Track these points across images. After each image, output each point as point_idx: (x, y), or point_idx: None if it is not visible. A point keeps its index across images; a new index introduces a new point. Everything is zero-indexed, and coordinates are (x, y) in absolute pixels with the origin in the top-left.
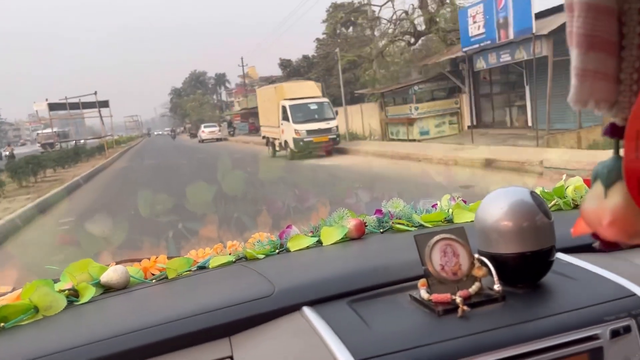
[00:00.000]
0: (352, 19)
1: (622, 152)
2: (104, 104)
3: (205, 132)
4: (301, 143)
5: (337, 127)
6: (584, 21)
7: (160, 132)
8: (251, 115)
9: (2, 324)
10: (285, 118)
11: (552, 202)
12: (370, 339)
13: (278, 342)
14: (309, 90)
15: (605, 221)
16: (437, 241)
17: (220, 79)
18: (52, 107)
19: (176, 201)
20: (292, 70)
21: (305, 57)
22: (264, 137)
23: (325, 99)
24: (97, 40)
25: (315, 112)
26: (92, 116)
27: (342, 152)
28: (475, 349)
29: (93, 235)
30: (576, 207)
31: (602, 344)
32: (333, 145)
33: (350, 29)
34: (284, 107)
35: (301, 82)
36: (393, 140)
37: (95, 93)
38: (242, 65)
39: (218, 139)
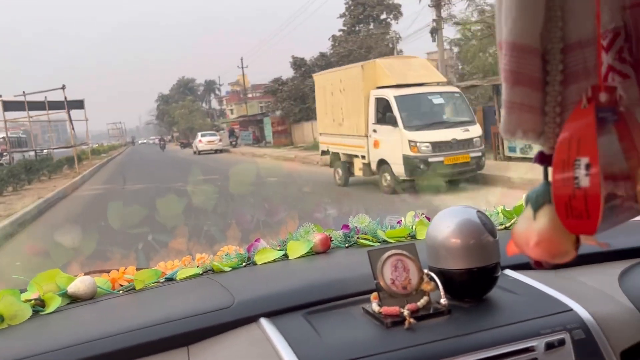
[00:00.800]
0: (375, 14)
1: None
2: (78, 104)
3: (202, 141)
4: (421, 166)
5: (481, 137)
6: (509, 59)
7: (144, 141)
8: (251, 123)
9: None
10: (385, 120)
11: (512, 221)
12: (320, 349)
13: (234, 351)
14: (423, 71)
15: (532, 242)
16: (389, 257)
17: (210, 86)
18: (7, 106)
19: None
20: (307, 71)
21: (322, 55)
22: (324, 153)
23: (455, 88)
24: (77, 41)
25: (442, 110)
26: (62, 119)
27: (479, 180)
28: (419, 358)
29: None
30: None
31: (537, 356)
32: (476, 170)
33: (372, 24)
34: (382, 101)
35: (408, 58)
36: (511, 158)
37: (64, 87)
38: (242, 67)
39: (218, 150)
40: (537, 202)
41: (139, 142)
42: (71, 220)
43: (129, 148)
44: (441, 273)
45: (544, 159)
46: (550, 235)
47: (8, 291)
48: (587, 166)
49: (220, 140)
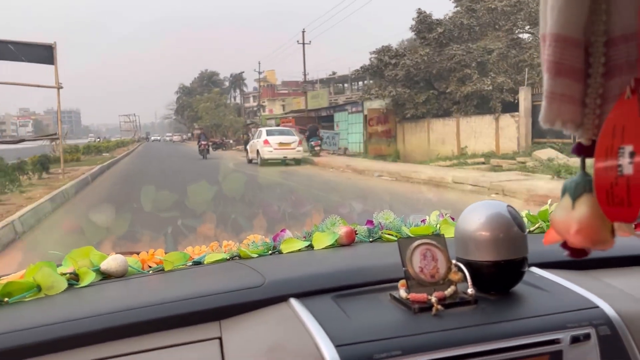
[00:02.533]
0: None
1: (588, 168)
2: (43, 53)
3: (271, 143)
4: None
5: (296, 141)
6: (553, 50)
7: (157, 138)
8: (310, 120)
9: (5, 299)
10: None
11: (536, 225)
12: (349, 328)
13: (265, 328)
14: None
15: (572, 230)
16: (418, 245)
17: (237, 81)
18: None
19: None
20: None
21: (385, 49)
22: None
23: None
24: (100, 31)
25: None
26: (75, 110)
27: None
28: (445, 343)
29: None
30: None
31: (562, 348)
32: (298, 158)
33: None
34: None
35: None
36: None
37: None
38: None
39: (295, 160)
40: (575, 191)
41: (152, 138)
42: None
43: (142, 145)
44: (469, 264)
45: (581, 150)
46: (590, 222)
47: (45, 263)
48: (631, 154)
49: (300, 143)
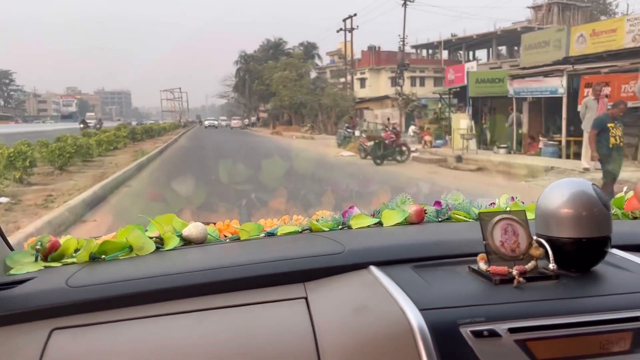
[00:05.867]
0: None
1: None
2: None
3: None
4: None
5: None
6: None
7: (214, 122)
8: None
9: (103, 256)
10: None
11: (611, 212)
12: (431, 294)
13: (348, 290)
14: None
15: None
16: (500, 220)
17: (309, 51)
18: None
19: None
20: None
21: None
22: None
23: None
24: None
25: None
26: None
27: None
28: (528, 313)
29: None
30: (635, 218)
31: None
32: (247, 128)
33: None
34: None
35: None
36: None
37: None
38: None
39: None
40: None
41: (207, 122)
42: None
43: (186, 136)
44: (550, 241)
45: None
46: None
47: (135, 226)
48: None
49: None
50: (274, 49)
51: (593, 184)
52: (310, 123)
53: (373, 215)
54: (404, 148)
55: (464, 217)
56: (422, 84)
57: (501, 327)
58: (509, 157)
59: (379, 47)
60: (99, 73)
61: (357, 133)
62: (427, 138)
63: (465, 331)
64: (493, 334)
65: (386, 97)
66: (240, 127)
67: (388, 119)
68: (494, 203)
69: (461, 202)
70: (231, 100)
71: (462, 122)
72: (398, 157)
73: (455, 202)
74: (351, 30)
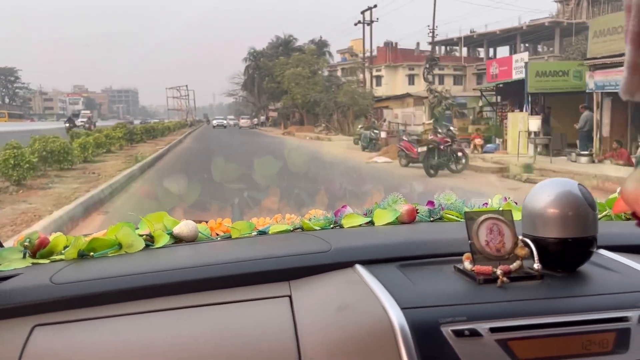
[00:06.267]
0: None
1: None
2: None
3: None
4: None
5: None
6: (638, 21)
7: (222, 121)
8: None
9: (91, 253)
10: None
11: (604, 213)
12: (415, 293)
13: (332, 289)
14: None
15: None
16: (485, 219)
17: (320, 48)
18: None
19: None
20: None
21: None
22: None
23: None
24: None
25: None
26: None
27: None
28: (510, 313)
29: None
30: (628, 219)
31: (630, 326)
32: (255, 127)
33: None
34: None
35: None
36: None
37: None
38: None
39: None
40: None
41: (215, 122)
42: None
43: (192, 136)
44: (535, 241)
45: None
46: None
47: (125, 223)
48: None
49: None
50: (283, 46)
51: (579, 184)
52: (324, 123)
53: (365, 215)
54: (459, 154)
55: (456, 217)
56: (440, 82)
57: (482, 327)
58: (597, 168)
59: (395, 43)
60: (106, 71)
61: (382, 134)
62: (478, 141)
63: (447, 330)
64: (474, 333)
65: (408, 95)
66: (249, 126)
67: (428, 122)
68: (486, 203)
69: (454, 201)
70: (239, 99)
71: (532, 122)
72: (453, 166)
73: (448, 201)
74: (370, 23)
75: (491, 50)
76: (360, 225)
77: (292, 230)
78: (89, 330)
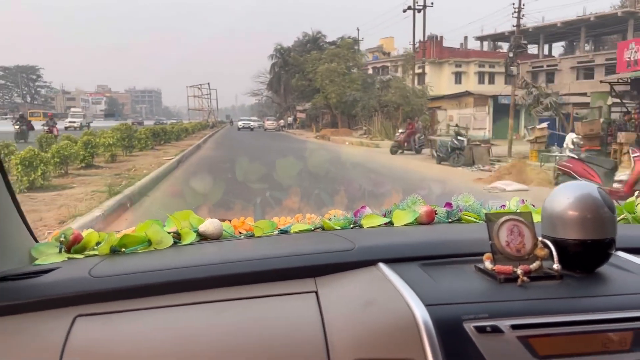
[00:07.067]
0: None
1: None
2: None
3: None
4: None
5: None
6: None
7: (249, 123)
8: None
9: (123, 249)
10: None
11: (621, 216)
12: (438, 291)
13: (357, 286)
14: None
15: None
16: (506, 220)
17: (351, 46)
18: None
19: None
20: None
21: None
22: None
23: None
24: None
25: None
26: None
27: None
28: (531, 311)
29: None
30: None
31: None
32: (281, 130)
33: None
34: None
35: None
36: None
37: None
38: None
39: None
40: None
41: (240, 124)
42: None
43: (213, 139)
44: (555, 242)
45: None
46: None
47: (154, 221)
48: None
49: None
50: (312, 43)
51: (598, 187)
52: (366, 125)
53: (384, 215)
54: None
55: (474, 218)
56: (491, 81)
57: (504, 324)
58: None
59: (441, 37)
60: (130, 71)
61: (464, 141)
62: None
63: (469, 327)
64: (496, 330)
65: (467, 93)
66: (274, 128)
67: (540, 127)
68: (504, 205)
69: (472, 203)
70: (262, 100)
71: None
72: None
73: (466, 203)
74: (424, 7)
75: (546, 47)
76: (379, 225)
77: (312, 230)
78: (129, 321)
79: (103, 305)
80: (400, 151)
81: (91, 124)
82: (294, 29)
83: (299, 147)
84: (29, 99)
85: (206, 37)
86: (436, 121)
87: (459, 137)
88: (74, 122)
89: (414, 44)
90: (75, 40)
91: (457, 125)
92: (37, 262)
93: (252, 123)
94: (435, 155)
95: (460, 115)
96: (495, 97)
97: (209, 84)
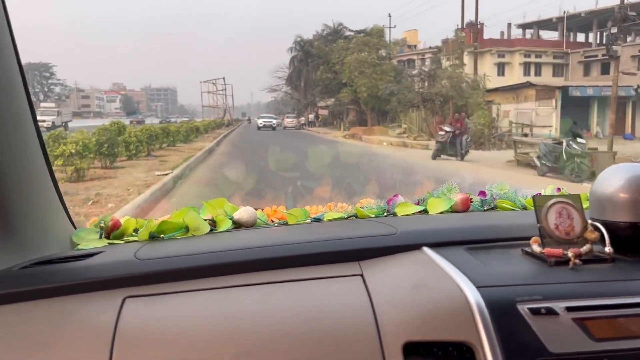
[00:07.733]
0: None
1: None
2: None
3: None
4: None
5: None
6: None
7: (271, 121)
8: None
9: (162, 235)
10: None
11: None
12: (487, 273)
13: (403, 269)
14: None
15: None
16: (554, 203)
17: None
18: None
19: None
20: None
21: None
22: None
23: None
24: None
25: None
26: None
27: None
28: (584, 294)
29: None
30: None
31: None
32: (301, 128)
33: None
34: None
35: None
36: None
37: None
38: None
39: None
40: None
41: (261, 122)
42: None
43: (234, 134)
44: (605, 225)
45: None
46: None
47: (191, 208)
48: None
49: None
50: (332, 35)
51: None
52: (405, 122)
53: (417, 204)
54: None
55: (511, 206)
56: (537, 73)
57: (559, 306)
58: None
59: (481, 24)
60: (146, 69)
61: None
62: None
63: (523, 308)
64: (551, 312)
65: (528, 84)
66: (294, 126)
67: None
68: (539, 194)
69: (507, 191)
70: (279, 97)
71: None
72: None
73: (501, 191)
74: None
75: (598, 34)
76: (413, 213)
77: (346, 218)
78: (178, 302)
79: (151, 287)
80: (440, 156)
81: (69, 123)
82: (312, 24)
83: (339, 152)
84: (42, 97)
85: (222, 35)
86: (493, 117)
87: (578, 140)
88: (44, 120)
89: (462, 26)
90: (90, 38)
91: (575, 123)
92: (78, 247)
93: (273, 121)
94: (539, 164)
95: (519, 111)
96: (564, 89)
97: (224, 78)
